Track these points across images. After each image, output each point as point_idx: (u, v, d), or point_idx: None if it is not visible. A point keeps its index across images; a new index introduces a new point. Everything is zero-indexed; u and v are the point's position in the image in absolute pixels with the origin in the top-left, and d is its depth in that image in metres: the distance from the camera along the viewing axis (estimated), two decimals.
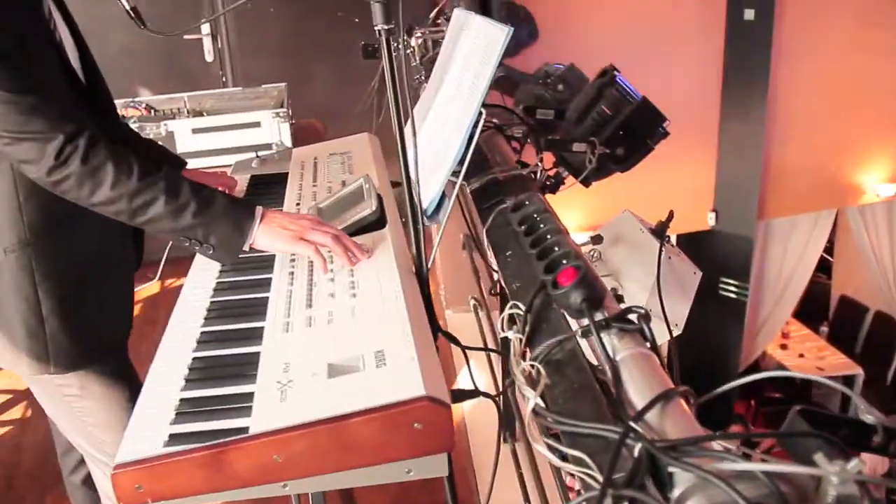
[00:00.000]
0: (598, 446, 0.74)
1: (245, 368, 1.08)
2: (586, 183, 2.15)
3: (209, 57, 4.14)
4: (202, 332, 1.22)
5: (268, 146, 2.88)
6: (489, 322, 2.95)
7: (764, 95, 6.06)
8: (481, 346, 2.74)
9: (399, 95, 1.18)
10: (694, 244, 6.45)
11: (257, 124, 2.90)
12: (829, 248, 7.98)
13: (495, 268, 1.53)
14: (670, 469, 0.66)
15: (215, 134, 2.85)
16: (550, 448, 0.79)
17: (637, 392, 0.79)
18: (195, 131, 2.84)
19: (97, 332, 1.58)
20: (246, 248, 1.37)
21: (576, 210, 5.29)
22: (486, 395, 1.17)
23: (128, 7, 1.43)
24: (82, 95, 1.53)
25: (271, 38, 4.04)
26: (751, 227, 6.32)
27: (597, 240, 1.85)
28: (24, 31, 1.34)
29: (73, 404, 1.60)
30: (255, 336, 1.17)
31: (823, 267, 8.07)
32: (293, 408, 0.95)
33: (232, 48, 4.17)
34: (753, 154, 6.18)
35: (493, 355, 2.51)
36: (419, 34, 3.39)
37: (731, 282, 6.32)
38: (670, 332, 1.58)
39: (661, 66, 5.83)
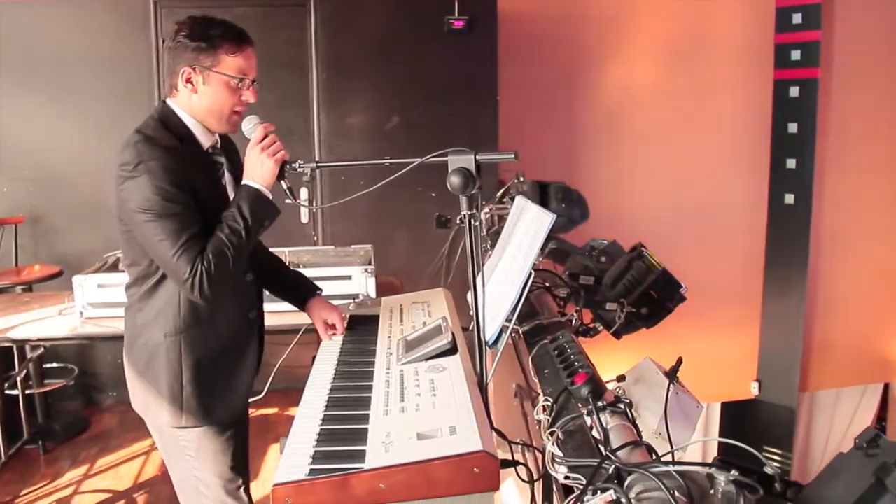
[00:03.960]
0: (587, 472, 1.21)
1: (358, 436, 1.58)
2: (617, 336, 2.65)
3: (304, 219, 4.85)
4: (324, 416, 1.73)
5: (356, 296, 3.45)
6: (534, 458, 3.36)
7: (804, 273, 6.48)
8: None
9: (476, 260, 1.73)
10: (737, 412, 6.75)
11: (349, 277, 3.49)
12: (885, 427, 8.09)
13: (538, 390, 2.02)
14: (628, 478, 1.13)
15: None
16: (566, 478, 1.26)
17: (617, 444, 1.27)
18: None
19: (218, 402, 2.13)
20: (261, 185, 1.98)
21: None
22: (523, 463, 1.64)
23: (286, 186, 2.04)
24: None
25: (358, 205, 4.70)
26: (793, 398, 6.60)
27: (621, 379, 2.32)
28: (195, 183, 1.95)
29: (188, 457, 2.14)
30: (363, 420, 1.67)
31: None
32: (394, 455, 1.44)
33: (324, 212, 4.88)
34: (795, 328, 6.55)
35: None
36: (487, 210, 4.01)
37: (774, 451, 6.54)
38: (672, 451, 2.02)
39: (709, 242, 6.38)
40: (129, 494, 3.63)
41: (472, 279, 1.76)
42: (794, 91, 6.42)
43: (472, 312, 2.21)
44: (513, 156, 1.75)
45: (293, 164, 2.00)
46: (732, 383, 6.63)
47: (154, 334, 2.05)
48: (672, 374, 2.28)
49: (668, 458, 1.25)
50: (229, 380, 2.16)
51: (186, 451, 2.15)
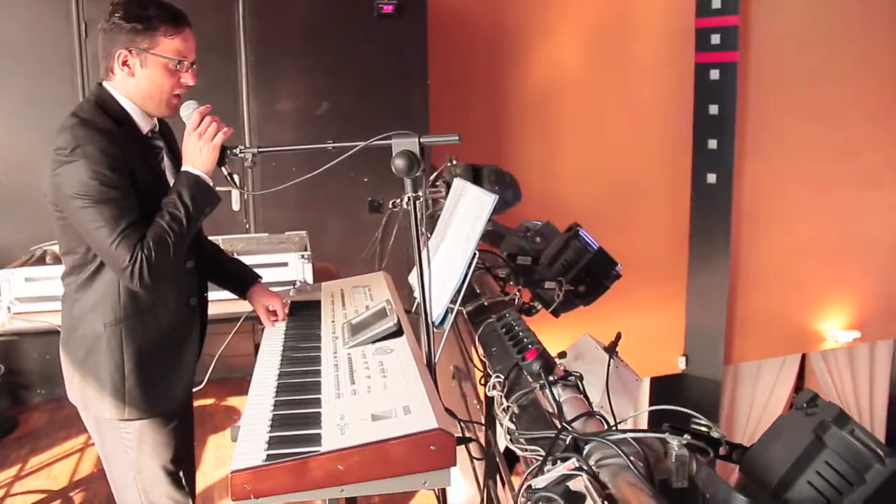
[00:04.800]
0: (544, 444, 1.25)
1: (311, 420, 1.59)
2: (556, 314, 2.71)
3: (236, 206, 4.78)
4: (275, 402, 1.73)
5: (293, 282, 3.43)
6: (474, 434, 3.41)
7: (726, 250, 6.71)
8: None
9: (420, 242, 1.75)
10: (666, 386, 6.96)
11: (285, 264, 3.47)
12: None
13: (482, 368, 2.06)
14: (586, 447, 1.17)
15: None
16: (522, 450, 1.30)
17: (571, 415, 1.31)
18: None
19: (162, 392, 2.09)
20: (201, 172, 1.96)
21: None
22: (475, 439, 1.67)
23: (226, 173, 2.02)
24: None
25: (290, 191, 4.64)
26: (718, 370, 6.84)
27: (562, 355, 2.38)
28: (134, 168, 1.91)
29: (128, 451, 2.09)
30: (315, 404, 1.67)
31: None
32: (350, 437, 1.46)
33: (256, 199, 4.82)
34: (719, 304, 6.77)
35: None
36: (420, 193, 4.02)
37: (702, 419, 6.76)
38: (616, 422, 2.08)
39: (635, 222, 6.53)
40: (64, 493, 3.52)
41: (419, 261, 1.77)
42: (715, 74, 6.61)
43: (415, 294, 2.23)
44: (456, 138, 1.77)
45: (233, 150, 1.98)
46: (660, 358, 6.82)
47: (93, 325, 2.00)
48: (612, 350, 2.35)
49: (623, 426, 1.30)
50: (172, 369, 2.12)
51: (127, 445, 2.09)
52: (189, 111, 1.98)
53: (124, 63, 1.92)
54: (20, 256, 3.55)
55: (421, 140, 1.76)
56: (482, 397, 2.73)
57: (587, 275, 2.62)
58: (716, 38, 6.58)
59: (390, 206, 4.07)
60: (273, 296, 2.40)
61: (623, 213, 6.49)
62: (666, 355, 6.84)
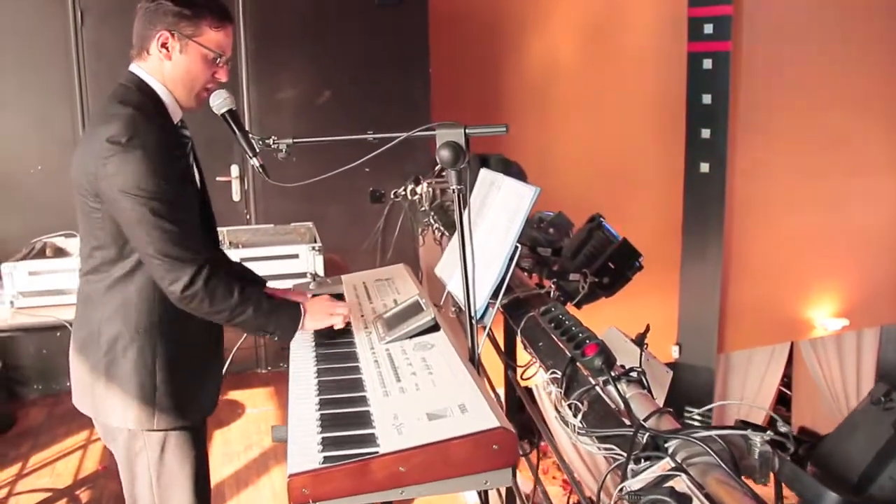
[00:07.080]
0: (618, 442, 1.23)
1: (362, 419, 1.56)
2: (579, 305, 2.68)
3: (236, 197, 4.72)
4: (319, 401, 1.69)
5: (303, 275, 3.38)
6: None
7: (720, 240, 6.72)
8: None
9: (465, 234, 1.72)
10: None
11: (296, 256, 3.42)
12: (789, 384, 8.53)
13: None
14: (669, 445, 1.16)
15: (260, 262, 3.34)
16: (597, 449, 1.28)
17: (640, 413, 1.29)
18: (244, 259, 3.31)
19: (192, 401, 2.02)
20: (298, 330, 2.02)
21: None
22: (535, 439, 1.65)
23: (258, 164, 1.97)
24: (203, 223, 2.04)
25: (290, 181, 4.61)
26: (711, 359, 6.87)
27: None
28: (184, 178, 1.87)
29: (150, 463, 1.99)
30: (361, 402, 1.64)
31: (785, 400, 8.57)
32: (409, 437, 1.43)
33: (257, 190, 4.76)
34: (712, 292, 6.79)
35: None
36: (426, 184, 3.98)
37: (695, 410, 6.80)
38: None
39: (628, 211, 6.52)
40: (70, 492, 3.45)
41: (462, 254, 1.74)
42: (708, 63, 6.60)
43: (448, 288, 2.21)
44: (504, 129, 1.75)
45: (267, 141, 1.94)
46: (655, 348, 6.76)
47: (123, 328, 1.90)
48: (641, 342, 2.33)
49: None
50: (203, 377, 2.05)
51: (148, 453, 2.00)
52: (220, 100, 1.93)
53: (163, 45, 1.84)
54: (17, 249, 3.47)
55: (466, 131, 1.73)
56: (502, 394, 2.70)
57: (611, 266, 2.60)
58: (708, 28, 6.57)
59: (392, 196, 4.05)
60: (290, 292, 2.33)
61: (617, 202, 6.46)
62: (660, 344, 6.84)
